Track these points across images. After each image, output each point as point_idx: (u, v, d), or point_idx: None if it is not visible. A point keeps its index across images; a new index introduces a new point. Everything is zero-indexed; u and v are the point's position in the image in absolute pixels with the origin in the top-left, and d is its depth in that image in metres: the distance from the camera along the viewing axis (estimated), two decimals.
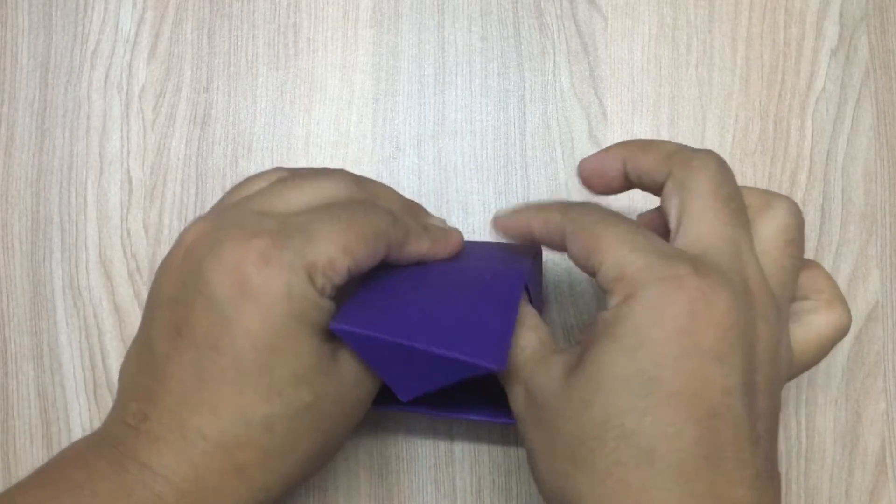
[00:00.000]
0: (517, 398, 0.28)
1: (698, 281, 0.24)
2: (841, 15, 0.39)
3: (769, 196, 0.28)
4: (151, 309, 0.27)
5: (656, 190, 0.29)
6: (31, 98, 0.38)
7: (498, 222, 0.30)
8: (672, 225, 0.27)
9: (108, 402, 0.37)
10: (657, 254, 0.25)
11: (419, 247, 0.30)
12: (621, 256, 0.25)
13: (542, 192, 0.38)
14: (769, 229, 0.27)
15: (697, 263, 0.25)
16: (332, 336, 0.26)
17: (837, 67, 0.39)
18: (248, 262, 0.25)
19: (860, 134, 0.39)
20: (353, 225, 0.27)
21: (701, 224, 0.26)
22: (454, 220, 0.38)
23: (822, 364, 0.37)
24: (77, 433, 0.36)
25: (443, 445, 0.36)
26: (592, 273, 0.27)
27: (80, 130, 0.38)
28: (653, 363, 0.24)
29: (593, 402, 0.25)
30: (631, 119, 0.39)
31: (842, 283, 0.38)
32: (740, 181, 0.39)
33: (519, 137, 0.38)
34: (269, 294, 0.25)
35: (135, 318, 0.37)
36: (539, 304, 0.34)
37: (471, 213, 0.38)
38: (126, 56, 0.38)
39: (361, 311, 0.27)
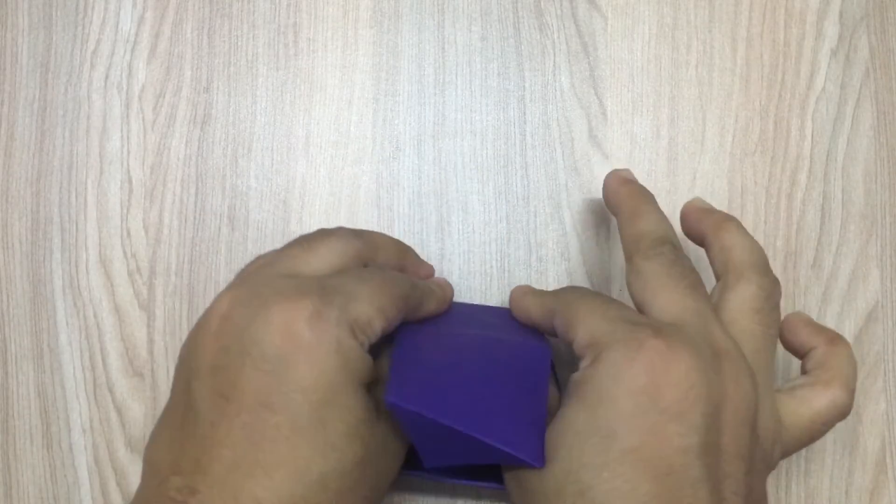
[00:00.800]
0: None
1: (658, 342, 0.25)
2: (841, 15, 0.39)
3: (742, 272, 0.30)
4: (186, 381, 0.27)
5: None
6: (31, 98, 0.38)
7: (510, 305, 0.34)
8: (637, 306, 0.29)
9: (108, 402, 0.37)
10: (623, 321, 0.27)
11: (429, 307, 0.32)
12: (593, 324, 0.27)
13: (542, 192, 0.38)
14: (736, 300, 0.29)
15: (660, 327, 0.26)
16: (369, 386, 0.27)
17: (837, 67, 0.39)
18: (300, 319, 0.25)
19: (860, 134, 0.39)
20: (385, 288, 0.28)
21: (661, 299, 0.28)
22: (454, 220, 0.38)
23: None
24: (77, 433, 0.37)
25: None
26: (570, 343, 0.28)
27: (80, 130, 0.38)
28: (610, 420, 0.25)
29: (556, 458, 0.26)
30: (631, 119, 0.39)
31: (842, 283, 0.38)
32: (740, 181, 0.39)
33: (519, 137, 0.38)
34: (320, 349, 0.25)
35: (135, 318, 0.37)
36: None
37: (471, 213, 0.38)
38: (126, 56, 0.38)
39: (408, 384, 0.27)
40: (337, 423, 0.25)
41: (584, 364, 0.27)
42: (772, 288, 0.30)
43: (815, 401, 0.29)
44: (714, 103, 0.39)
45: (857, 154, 0.39)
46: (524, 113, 0.39)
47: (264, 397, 0.25)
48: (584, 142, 0.38)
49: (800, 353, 0.31)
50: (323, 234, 0.30)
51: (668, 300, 0.28)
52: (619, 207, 0.33)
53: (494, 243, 0.38)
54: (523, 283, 0.37)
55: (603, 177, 0.38)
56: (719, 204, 0.38)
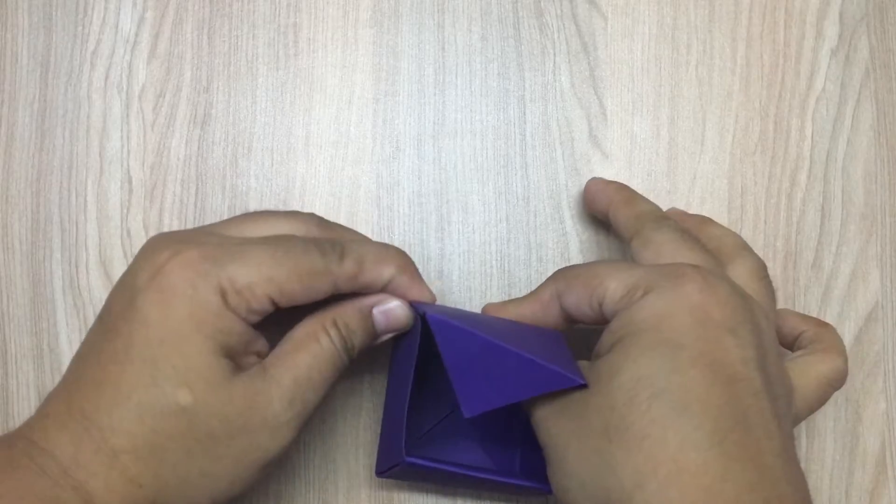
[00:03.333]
0: (539, 399, 0.28)
1: (697, 273, 0.27)
2: (841, 15, 0.39)
3: (739, 251, 0.32)
4: None
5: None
6: (31, 98, 0.38)
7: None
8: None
9: None
10: (653, 267, 0.28)
11: (379, 276, 0.30)
12: (623, 277, 0.28)
13: (542, 192, 0.38)
14: (743, 270, 0.31)
15: (694, 265, 0.28)
16: (232, 357, 0.27)
17: (837, 67, 0.39)
18: (171, 263, 0.27)
19: (860, 134, 0.39)
20: (288, 260, 0.28)
21: (679, 257, 0.30)
22: (454, 220, 0.38)
23: None
24: None
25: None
26: (598, 305, 0.29)
27: (80, 130, 0.38)
28: (675, 331, 0.26)
29: (622, 370, 0.26)
30: (631, 119, 0.39)
31: (842, 283, 0.38)
32: (740, 181, 0.39)
33: (519, 137, 0.38)
34: (174, 293, 0.26)
35: None
36: None
37: (471, 213, 0.38)
38: (126, 56, 0.38)
39: (452, 319, 0.28)
40: (165, 363, 0.26)
41: (625, 308, 0.27)
42: (765, 265, 0.32)
43: (819, 365, 0.30)
44: (714, 103, 0.39)
45: (857, 154, 0.39)
46: (524, 113, 0.39)
47: (117, 322, 0.27)
48: (584, 142, 0.38)
49: (789, 340, 0.33)
50: (286, 213, 0.31)
51: (686, 259, 0.29)
52: (611, 199, 0.34)
53: (494, 243, 0.38)
54: (523, 283, 0.37)
55: (603, 177, 0.38)
56: (719, 204, 0.38)
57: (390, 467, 0.30)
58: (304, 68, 0.38)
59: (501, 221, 0.38)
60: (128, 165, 0.38)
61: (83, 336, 0.37)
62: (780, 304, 0.37)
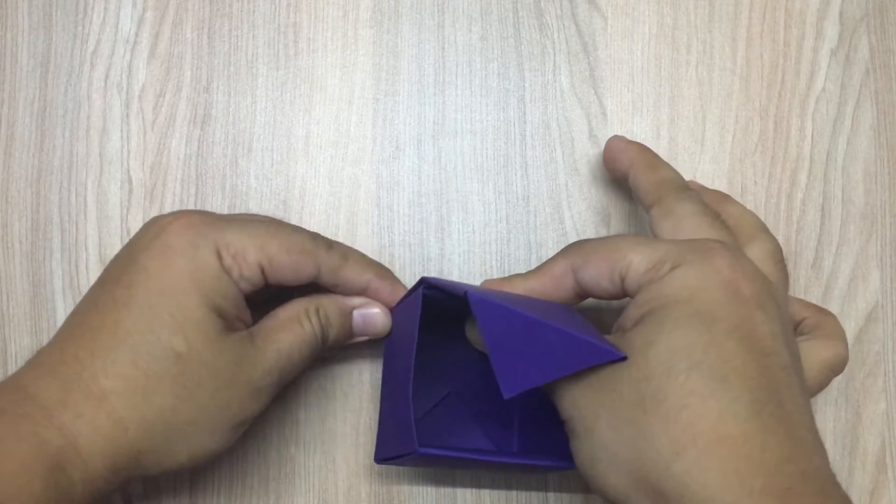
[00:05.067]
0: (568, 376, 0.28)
1: (725, 249, 0.27)
2: (841, 15, 0.39)
3: (757, 232, 0.32)
4: None
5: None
6: (31, 98, 0.38)
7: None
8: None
9: None
10: (678, 241, 0.29)
11: (360, 275, 0.32)
12: (647, 251, 0.28)
13: (542, 192, 0.38)
14: (761, 251, 0.31)
15: (719, 240, 0.28)
16: (225, 316, 0.29)
17: (837, 67, 0.39)
18: (174, 225, 0.29)
19: (860, 134, 0.39)
20: (280, 234, 0.30)
21: (700, 232, 0.30)
22: (454, 220, 0.38)
23: None
24: None
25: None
26: (619, 279, 0.28)
27: (80, 130, 0.38)
28: (708, 305, 0.26)
29: (657, 341, 0.26)
30: (631, 119, 0.39)
31: (842, 283, 0.38)
32: (740, 181, 0.39)
33: (519, 137, 0.38)
34: (176, 249, 0.28)
35: None
36: None
37: (471, 213, 0.38)
38: (126, 56, 0.38)
39: (491, 297, 0.28)
40: (162, 313, 0.28)
41: (651, 281, 0.27)
42: (781, 248, 0.32)
43: (822, 351, 0.31)
44: (714, 103, 0.39)
45: (857, 154, 0.39)
46: (524, 113, 0.39)
47: (116, 275, 0.29)
48: (584, 142, 0.38)
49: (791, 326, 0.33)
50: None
51: (707, 235, 0.29)
52: (634, 160, 0.34)
53: (494, 243, 0.38)
54: None
55: (603, 178, 0.38)
56: None
57: (397, 456, 0.30)
58: (304, 68, 0.38)
59: (501, 221, 0.38)
60: (128, 165, 0.38)
61: None
62: None
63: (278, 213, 0.38)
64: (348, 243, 0.34)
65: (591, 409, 0.27)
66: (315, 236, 0.32)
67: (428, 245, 0.38)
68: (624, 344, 0.26)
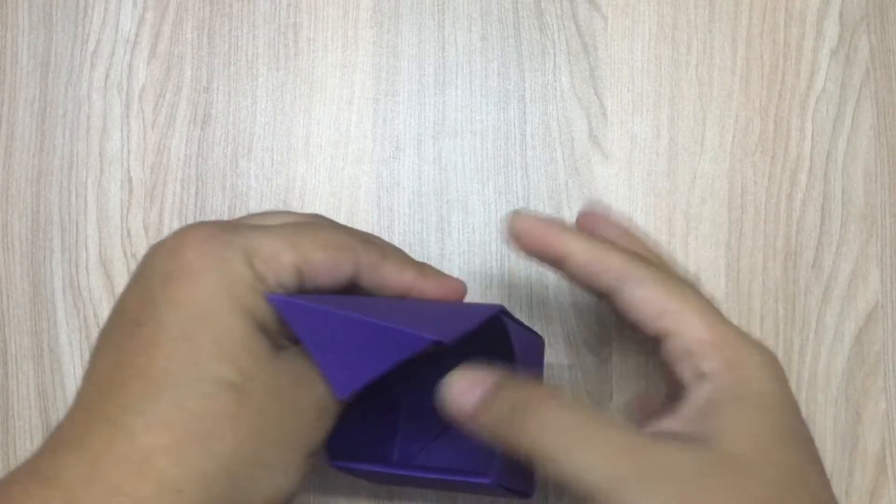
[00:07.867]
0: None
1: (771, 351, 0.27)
2: (841, 15, 0.39)
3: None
4: None
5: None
6: (31, 98, 0.38)
7: (523, 227, 0.29)
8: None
9: None
10: (729, 324, 0.27)
11: (401, 274, 0.28)
12: (710, 323, 0.26)
13: (542, 192, 0.38)
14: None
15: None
16: (270, 332, 0.25)
17: (837, 67, 0.39)
18: (189, 242, 0.24)
19: (860, 134, 0.39)
20: (311, 231, 0.26)
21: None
22: (454, 220, 0.38)
23: (822, 364, 0.37)
24: None
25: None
26: (660, 335, 0.27)
27: (80, 130, 0.38)
28: (784, 416, 0.26)
29: (723, 431, 0.25)
30: (631, 119, 0.39)
31: (842, 283, 0.38)
32: (740, 181, 0.39)
33: (519, 137, 0.38)
34: (202, 268, 0.24)
35: None
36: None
37: (471, 213, 0.38)
38: (126, 56, 0.38)
39: (307, 298, 0.26)
40: (203, 341, 0.23)
41: (711, 365, 0.26)
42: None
43: None
44: (714, 103, 0.39)
45: (857, 154, 0.39)
46: (524, 113, 0.39)
47: (136, 314, 0.24)
48: (584, 142, 0.38)
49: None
50: (313, 215, 0.30)
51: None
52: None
53: (494, 243, 0.38)
54: (523, 283, 0.37)
55: (603, 177, 0.38)
56: (719, 204, 0.38)
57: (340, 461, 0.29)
58: (304, 68, 0.38)
59: (501, 221, 0.38)
60: (128, 165, 0.38)
61: (83, 336, 0.37)
62: (781, 305, 0.37)
63: None
64: None
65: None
66: (349, 230, 0.28)
67: (428, 245, 0.38)
68: (696, 430, 0.26)
